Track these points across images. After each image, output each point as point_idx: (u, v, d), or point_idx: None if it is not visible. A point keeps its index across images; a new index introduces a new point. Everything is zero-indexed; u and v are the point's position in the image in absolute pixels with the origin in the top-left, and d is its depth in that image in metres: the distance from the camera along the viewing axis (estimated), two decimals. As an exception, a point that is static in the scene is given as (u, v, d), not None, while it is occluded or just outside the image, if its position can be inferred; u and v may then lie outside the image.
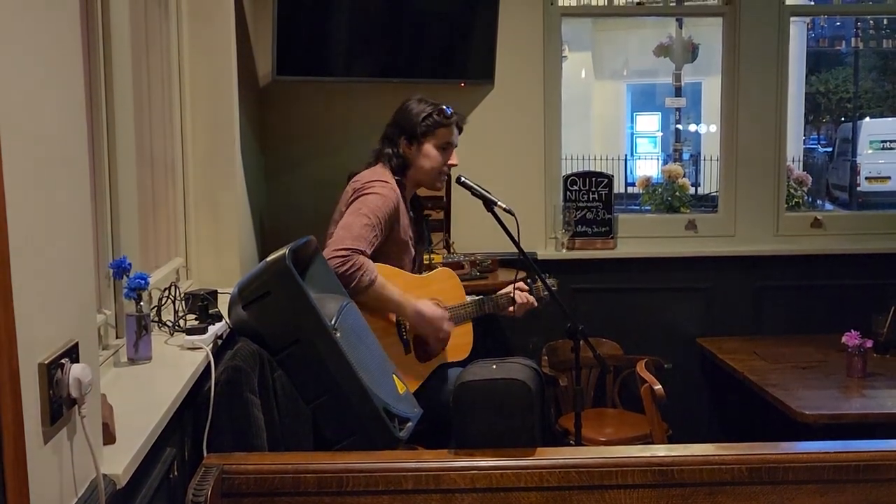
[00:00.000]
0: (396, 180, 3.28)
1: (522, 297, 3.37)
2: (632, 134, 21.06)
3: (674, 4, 9.66)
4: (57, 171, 1.50)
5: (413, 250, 3.36)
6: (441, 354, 3.29)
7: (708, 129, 18.03)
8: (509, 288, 3.40)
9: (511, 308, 3.37)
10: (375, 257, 3.09)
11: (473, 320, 3.41)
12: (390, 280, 3.10)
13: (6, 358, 1.27)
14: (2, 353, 1.26)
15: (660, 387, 3.54)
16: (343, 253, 2.96)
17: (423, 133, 3.29)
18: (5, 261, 1.27)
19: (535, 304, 3.43)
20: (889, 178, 16.39)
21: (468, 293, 3.49)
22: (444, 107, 3.33)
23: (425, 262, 3.76)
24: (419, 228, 3.47)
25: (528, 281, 3.45)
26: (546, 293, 3.40)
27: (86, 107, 2.09)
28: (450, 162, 3.36)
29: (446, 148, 3.34)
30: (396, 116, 3.38)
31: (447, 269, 3.53)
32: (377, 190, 3.16)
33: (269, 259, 2.57)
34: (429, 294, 3.27)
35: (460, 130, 3.40)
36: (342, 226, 3.08)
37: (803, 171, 15.15)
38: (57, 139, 1.51)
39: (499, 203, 3.16)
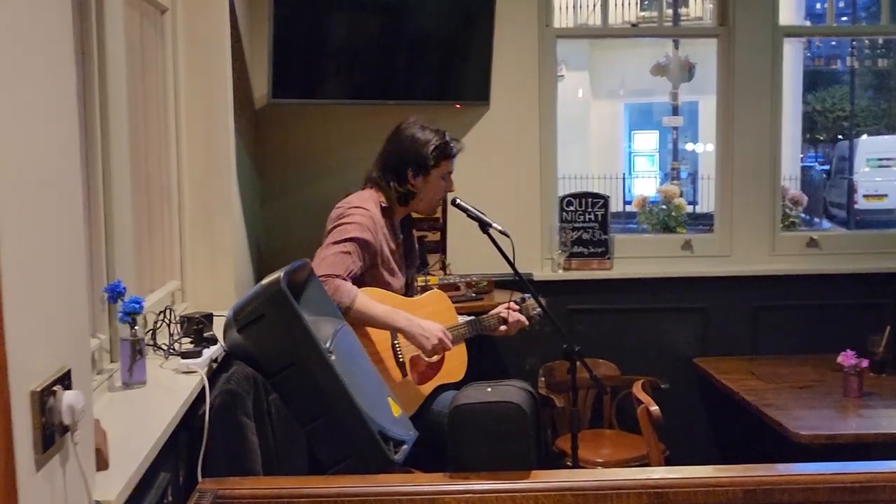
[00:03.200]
0: (385, 208, 3.27)
1: (513, 315, 3.37)
2: (629, 153, 21.12)
3: (669, 24, 9.70)
4: (49, 194, 1.51)
5: (403, 274, 3.36)
6: (437, 376, 3.29)
7: (705, 147, 18.10)
8: (500, 308, 3.40)
9: (503, 327, 3.37)
10: (363, 283, 3.09)
11: (467, 341, 3.41)
12: (380, 302, 3.10)
13: (-3, 386, 1.27)
14: (-7, 382, 1.26)
15: (656, 408, 3.53)
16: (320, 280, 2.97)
17: (433, 165, 3.28)
18: (-3, 289, 1.27)
19: (527, 323, 3.42)
20: (886, 195, 16.41)
21: (463, 314, 3.49)
22: (447, 136, 3.31)
23: (420, 283, 3.76)
24: (408, 250, 3.47)
25: (518, 300, 3.45)
26: (537, 311, 3.41)
27: (81, 130, 2.10)
28: (449, 189, 3.37)
29: (446, 177, 3.35)
30: (399, 145, 3.31)
31: (438, 291, 3.53)
32: (355, 219, 3.15)
33: (263, 282, 2.57)
34: (420, 316, 3.27)
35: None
36: (317, 256, 3.08)
37: (801, 189, 15.20)
38: (50, 163, 1.51)
39: (494, 225, 3.17)
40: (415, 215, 3.53)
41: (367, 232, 3.14)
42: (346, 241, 3.09)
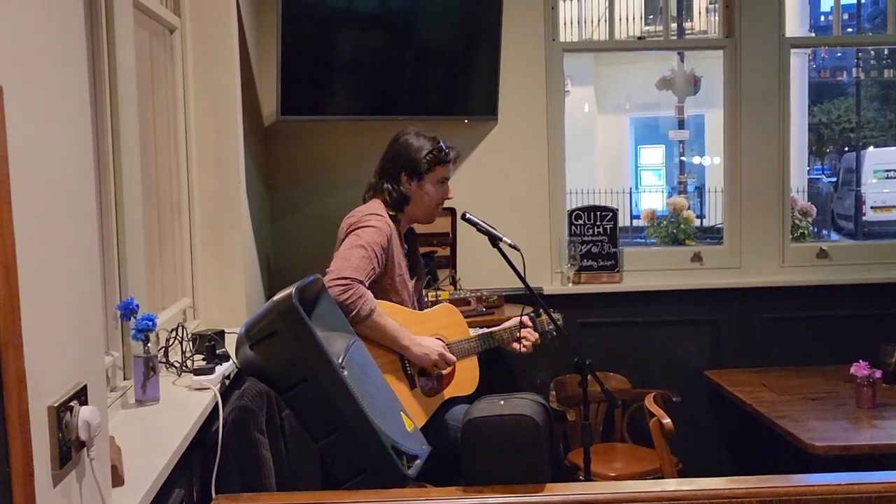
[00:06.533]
0: (391, 216, 3.28)
1: (525, 332, 3.37)
2: (636, 167, 21.11)
3: (675, 37, 9.71)
4: (65, 214, 1.52)
5: (410, 285, 3.36)
6: (447, 389, 3.28)
7: (712, 160, 18.07)
8: (513, 321, 3.39)
9: (516, 345, 3.37)
10: (374, 294, 3.09)
11: (479, 355, 3.40)
12: (390, 316, 3.11)
13: (16, 401, 1.28)
14: (12, 397, 1.27)
15: (668, 420, 3.52)
16: (344, 282, 2.97)
17: (426, 170, 3.31)
18: (15, 305, 1.28)
19: (539, 340, 3.42)
20: (894, 207, 16.36)
21: (476, 328, 3.49)
22: (442, 143, 3.35)
23: (431, 298, 3.76)
24: (413, 262, 3.47)
25: (532, 315, 3.45)
26: (551, 327, 3.40)
27: (93, 149, 2.10)
28: (446, 196, 3.38)
29: (443, 183, 3.37)
30: (394, 151, 3.38)
31: (449, 305, 3.53)
32: (373, 223, 3.17)
33: (275, 298, 2.58)
34: (430, 330, 3.27)
35: (454, 163, 3.44)
36: (340, 256, 3.09)
37: (808, 201, 15.15)
38: (64, 182, 1.52)
39: (504, 239, 3.17)
40: (417, 229, 3.54)
41: (384, 237, 3.16)
42: (366, 244, 3.09)
